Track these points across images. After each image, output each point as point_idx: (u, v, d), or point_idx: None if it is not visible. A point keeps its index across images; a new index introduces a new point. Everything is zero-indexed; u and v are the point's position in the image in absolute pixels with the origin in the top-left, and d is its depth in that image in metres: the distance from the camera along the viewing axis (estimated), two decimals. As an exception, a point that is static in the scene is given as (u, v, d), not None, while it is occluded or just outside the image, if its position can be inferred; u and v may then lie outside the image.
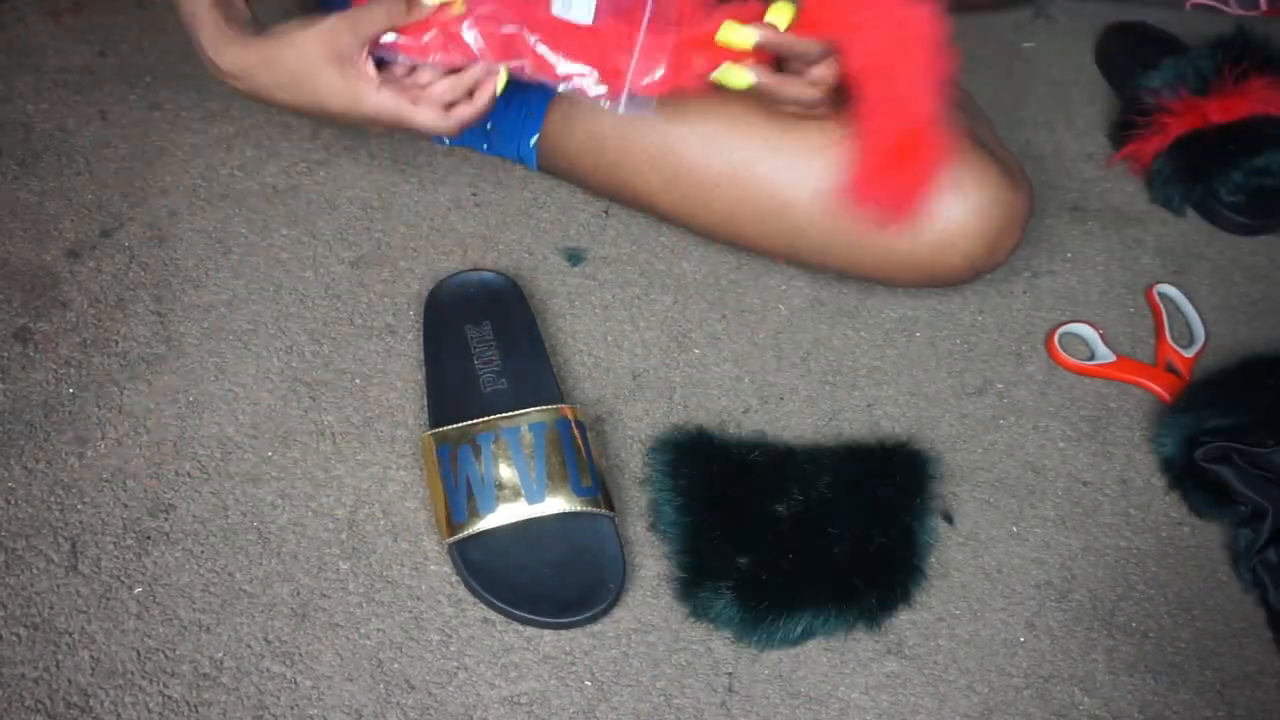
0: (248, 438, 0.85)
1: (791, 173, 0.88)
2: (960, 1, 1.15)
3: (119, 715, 0.71)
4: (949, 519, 0.86)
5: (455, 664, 0.76)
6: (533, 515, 0.79)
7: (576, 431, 0.83)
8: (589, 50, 0.82)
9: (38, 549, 0.78)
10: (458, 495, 0.80)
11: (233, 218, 0.99)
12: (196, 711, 0.72)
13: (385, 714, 0.73)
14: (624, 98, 0.82)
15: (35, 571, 0.77)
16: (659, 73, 0.81)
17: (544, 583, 0.78)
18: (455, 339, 0.89)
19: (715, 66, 0.81)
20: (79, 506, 0.80)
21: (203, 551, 0.79)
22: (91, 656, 0.74)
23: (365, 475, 0.84)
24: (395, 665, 0.75)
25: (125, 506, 0.81)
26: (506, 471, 0.80)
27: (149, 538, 0.79)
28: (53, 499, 0.81)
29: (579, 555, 0.79)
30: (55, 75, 1.08)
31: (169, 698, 0.72)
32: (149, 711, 0.72)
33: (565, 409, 0.83)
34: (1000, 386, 0.95)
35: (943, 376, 0.95)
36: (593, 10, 0.82)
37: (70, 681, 0.73)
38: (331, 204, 1.01)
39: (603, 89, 0.82)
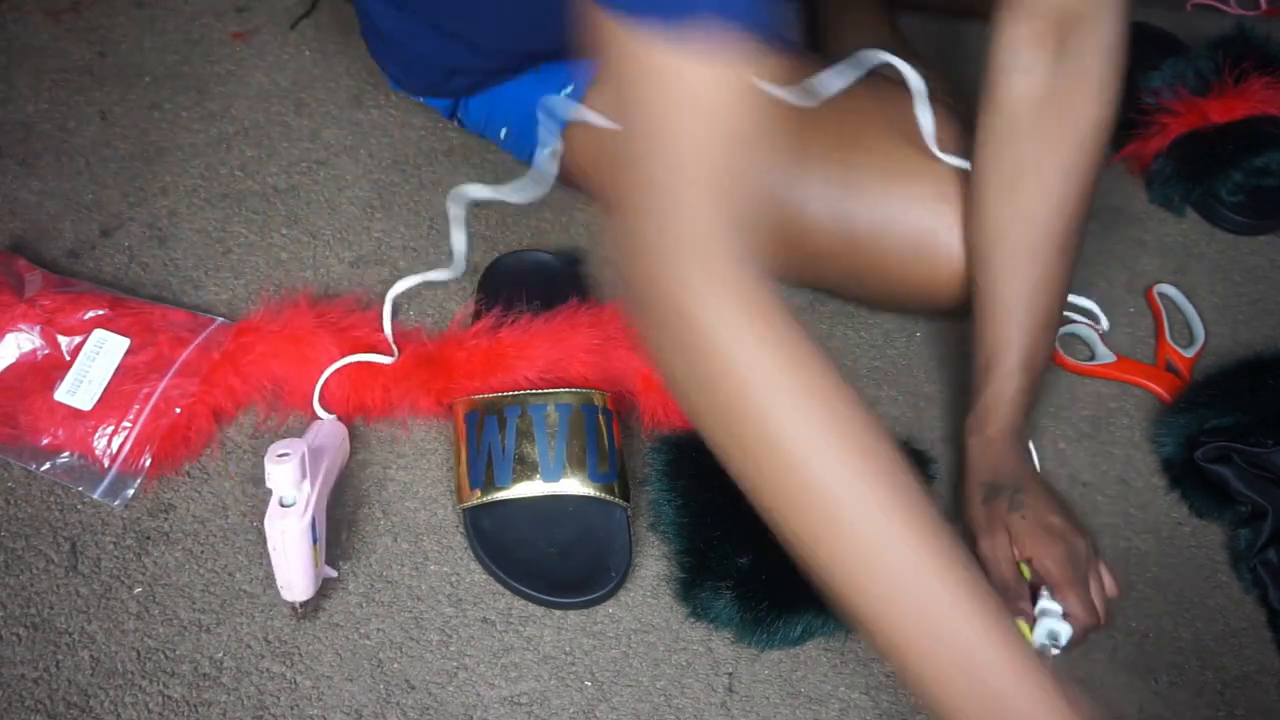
0: (248, 437, 0.85)
1: (815, 202, 0.88)
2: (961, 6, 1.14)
3: (119, 715, 0.71)
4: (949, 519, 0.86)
5: (455, 664, 0.76)
6: (546, 493, 0.80)
7: (603, 418, 0.83)
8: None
9: (38, 549, 0.78)
10: (477, 463, 0.81)
11: (232, 218, 0.99)
12: (196, 711, 0.72)
13: (385, 714, 0.73)
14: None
15: (35, 571, 0.77)
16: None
17: (547, 561, 0.79)
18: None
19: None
20: (79, 506, 0.80)
21: (202, 551, 0.79)
22: (91, 656, 0.74)
23: (365, 475, 0.84)
24: (395, 665, 0.75)
25: (125, 506, 0.80)
26: (527, 447, 0.81)
27: (149, 538, 0.79)
28: (52, 499, 0.81)
29: (586, 539, 0.79)
30: (55, 75, 1.08)
31: (169, 698, 0.72)
32: (149, 711, 0.72)
33: (596, 394, 0.84)
34: (1000, 386, 0.95)
35: (943, 378, 0.95)
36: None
37: (70, 681, 0.73)
38: (331, 204, 1.01)
39: None
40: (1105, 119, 0.80)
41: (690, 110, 0.54)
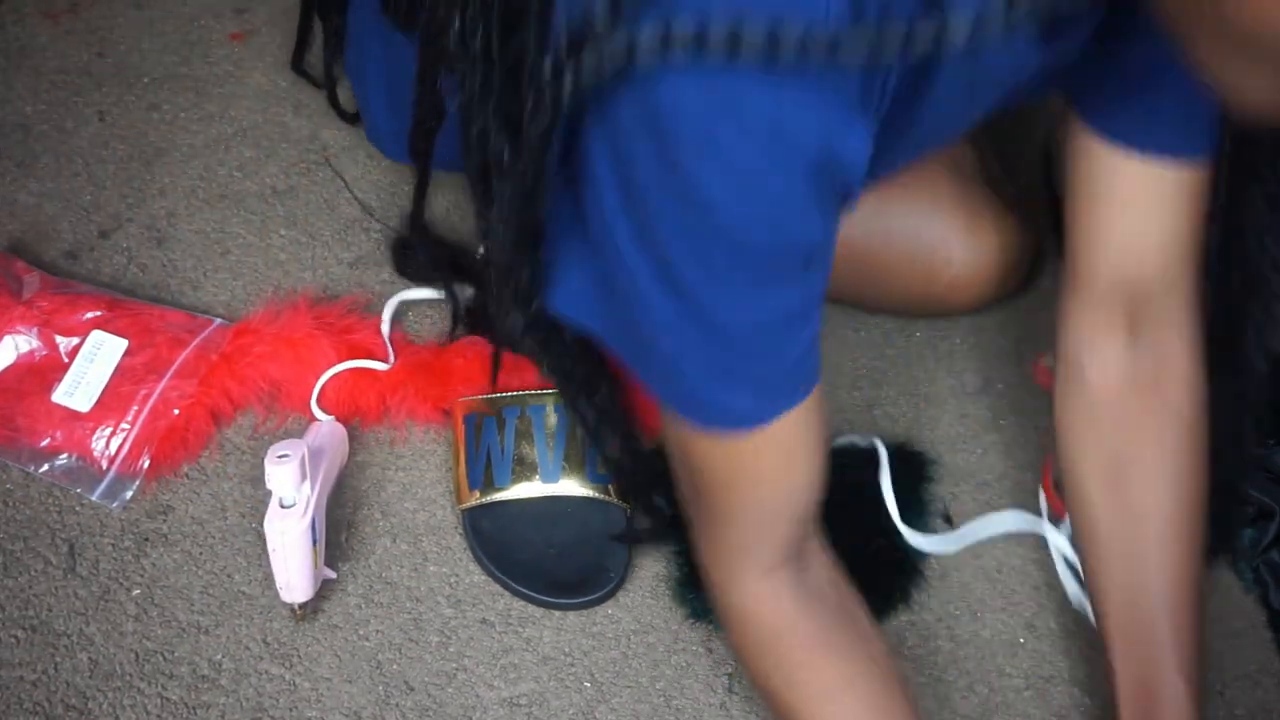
0: (246, 439, 0.85)
1: None
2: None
3: (117, 717, 0.71)
4: (949, 520, 0.86)
5: (454, 665, 0.76)
6: (545, 494, 0.80)
7: None
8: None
9: (36, 551, 0.78)
10: (476, 465, 0.81)
11: (231, 219, 0.99)
12: (195, 713, 0.72)
13: (384, 715, 0.73)
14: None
15: (34, 573, 0.77)
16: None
17: (545, 561, 0.78)
18: None
19: None
20: (77, 508, 0.80)
21: (201, 553, 0.79)
22: (90, 659, 0.74)
23: (364, 477, 0.84)
24: (394, 667, 0.75)
25: (124, 507, 0.80)
26: (526, 448, 0.81)
27: (147, 539, 0.79)
28: (51, 501, 0.80)
29: (585, 540, 0.79)
30: (53, 76, 1.08)
31: (167, 700, 0.72)
32: (147, 714, 0.72)
33: None
34: (1000, 387, 0.95)
35: (943, 376, 0.95)
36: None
37: (68, 684, 0.72)
38: (330, 205, 1.01)
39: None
40: (1197, 398, 0.70)
41: (753, 479, 0.60)
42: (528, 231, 0.56)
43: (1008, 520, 0.81)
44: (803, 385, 0.58)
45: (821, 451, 0.62)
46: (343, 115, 1.04)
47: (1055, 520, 0.80)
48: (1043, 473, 0.82)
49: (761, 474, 0.60)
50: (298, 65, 1.08)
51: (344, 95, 1.04)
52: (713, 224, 0.49)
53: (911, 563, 0.81)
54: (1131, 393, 0.70)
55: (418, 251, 0.92)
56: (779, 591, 0.64)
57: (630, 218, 0.51)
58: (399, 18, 0.81)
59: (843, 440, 0.89)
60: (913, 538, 0.80)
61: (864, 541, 0.80)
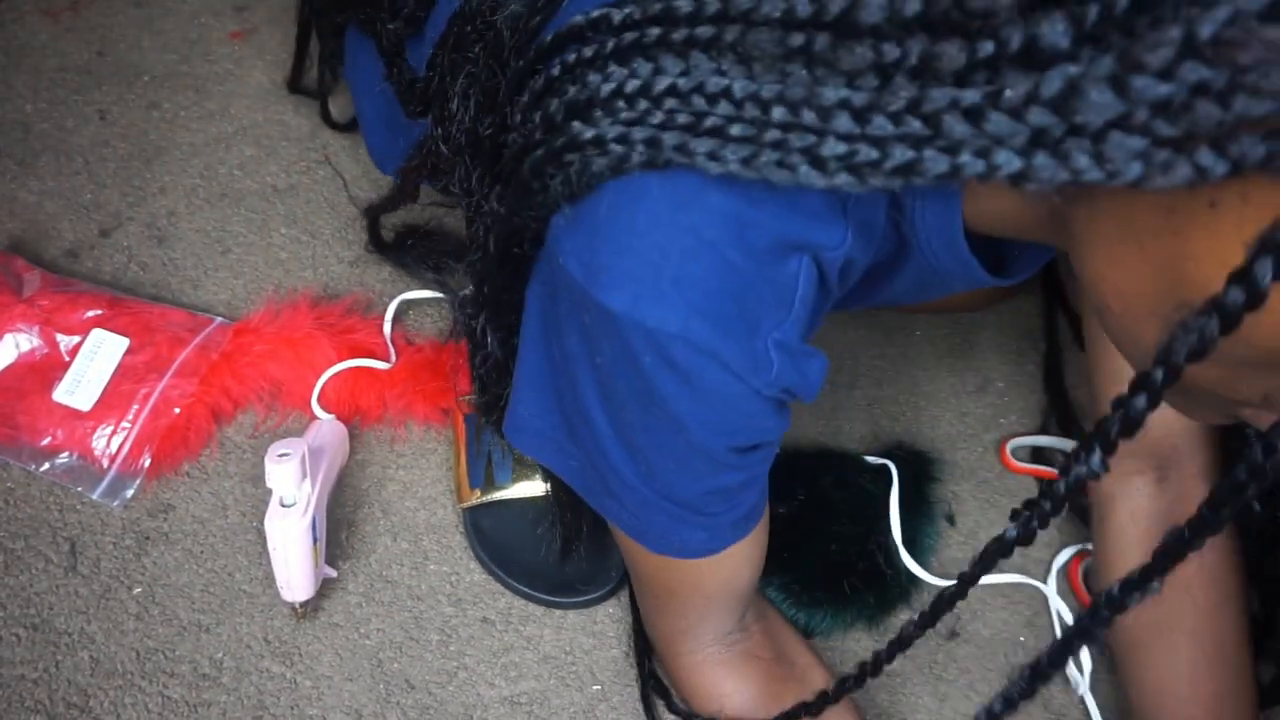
0: (247, 438, 0.85)
1: None
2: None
3: (118, 716, 0.71)
4: (950, 519, 0.86)
5: (455, 664, 0.76)
6: (546, 493, 0.80)
7: None
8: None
9: (37, 549, 0.78)
10: (477, 464, 0.81)
11: (232, 217, 0.99)
12: (196, 712, 0.72)
13: (385, 714, 0.73)
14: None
15: (35, 572, 0.77)
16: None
17: (546, 560, 0.78)
18: None
19: None
20: (78, 507, 0.80)
21: (202, 552, 0.79)
22: (91, 657, 0.74)
23: (365, 475, 0.84)
24: (395, 665, 0.75)
25: (125, 506, 0.80)
26: None
27: (148, 538, 0.79)
28: (52, 499, 0.80)
29: (586, 539, 0.79)
30: (54, 75, 1.08)
31: (168, 698, 0.72)
32: (148, 712, 0.72)
33: None
34: (1000, 386, 0.95)
35: (943, 375, 0.95)
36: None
37: (70, 682, 0.72)
38: (331, 204, 1.01)
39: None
40: (1221, 536, 0.74)
41: (696, 587, 0.65)
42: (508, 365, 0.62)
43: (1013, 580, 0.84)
44: (754, 521, 0.62)
45: (762, 556, 0.66)
46: (336, 127, 1.05)
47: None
48: (1070, 567, 0.84)
49: (704, 584, 0.65)
50: (295, 86, 1.08)
51: (344, 102, 1.04)
52: (674, 423, 0.52)
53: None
54: (1160, 524, 0.75)
55: (405, 250, 0.93)
56: (715, 657, 0.69)
57: (600, 389, 0.54)
58: (409, 107, 0.81)
59: (845, 439, 0.89)
60: (918, 570, 0.81)
61: (863, 541, 0.80)
